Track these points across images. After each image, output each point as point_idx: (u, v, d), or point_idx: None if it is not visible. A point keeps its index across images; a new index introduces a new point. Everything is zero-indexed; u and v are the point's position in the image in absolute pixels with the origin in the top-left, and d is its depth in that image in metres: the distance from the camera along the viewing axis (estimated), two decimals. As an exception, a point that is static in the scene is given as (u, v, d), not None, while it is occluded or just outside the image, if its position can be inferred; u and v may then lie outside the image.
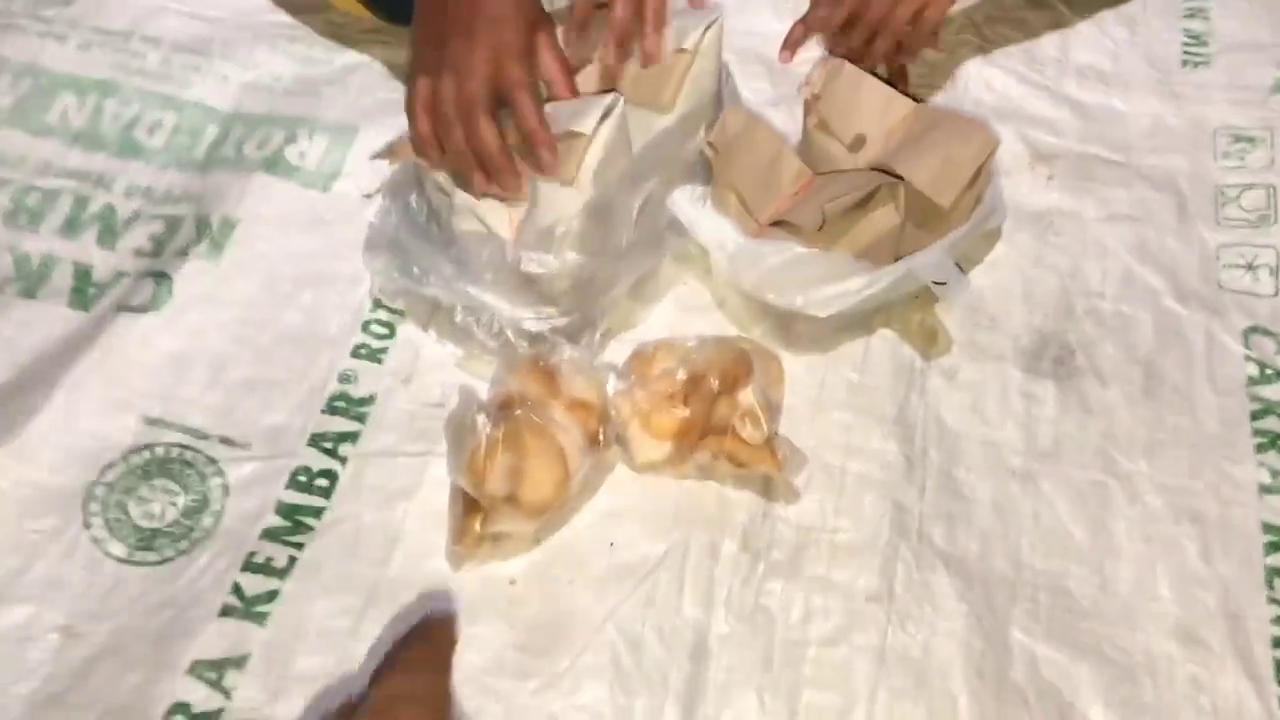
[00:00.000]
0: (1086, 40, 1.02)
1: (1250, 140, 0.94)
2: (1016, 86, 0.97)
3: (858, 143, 0.83)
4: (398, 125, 0.89)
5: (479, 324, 0.77)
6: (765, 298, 0.78)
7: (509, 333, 0.77)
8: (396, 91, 0.95)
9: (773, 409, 0.76)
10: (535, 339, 0.77)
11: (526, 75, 0.70)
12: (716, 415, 0.74)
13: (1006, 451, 0.78)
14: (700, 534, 0.74)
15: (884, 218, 0.76)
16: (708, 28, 0.77)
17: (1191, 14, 1.03)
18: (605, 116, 0.71)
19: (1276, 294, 0.85)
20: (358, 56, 0.98)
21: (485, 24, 0.69)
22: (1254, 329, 0.83)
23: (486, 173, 0.70)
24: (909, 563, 0.73)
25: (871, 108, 0.82)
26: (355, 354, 0.81)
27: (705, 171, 0.83)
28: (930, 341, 0.83)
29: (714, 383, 0.74)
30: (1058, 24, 1.03)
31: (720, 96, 0.84)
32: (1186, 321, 0.84)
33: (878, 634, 0.70)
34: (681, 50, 0.77)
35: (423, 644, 0.65)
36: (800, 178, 0.81)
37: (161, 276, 0.82)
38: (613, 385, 0.76)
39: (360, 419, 0.78)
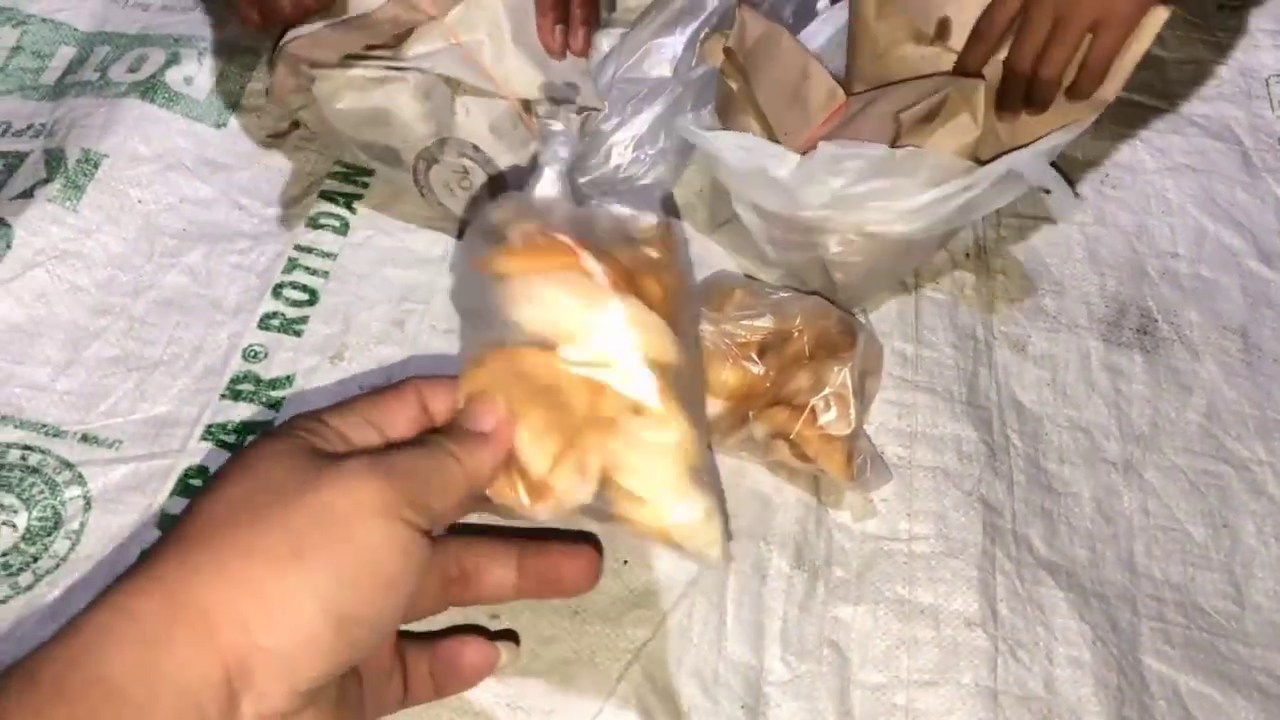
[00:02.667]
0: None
1: (1306, 88, 0.82)
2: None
3: (942, 29, 0.66)
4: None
5: None
6: (843, 220, 0.60)
7: None
8: (309, 12, 0.75)
9: (865, 402, 0.59)
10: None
11: None
12: (793, 385, 0.56)
13: (1099, 436, 0.63)
14: (741, 547, 0.56)
15: (958, 131, 0.60)
16: None
17: (1219, -43, 0.92)
18: None
19: (1367, 258, 0.73)
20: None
21: None
22: (1350, 296, 0.71)
23: None
24: (1010, 575, 0.56)
25: None
26: (265, 325, 0.61)
27: (708, 90, 0.67)
28: (988, 307, 0.68)
29: (805, 344, 0.57)
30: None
31: None
32: (1276, 286, 0.71)
33: (987, 668, 0.53)
34: None
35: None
36: (833, 99, 0.65)
37: (-4, 224, 0.61)
38: None
39: (274, 406, 0.58)
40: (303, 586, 0.35)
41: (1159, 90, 0.82)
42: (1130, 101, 0.80)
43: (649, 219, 0.47)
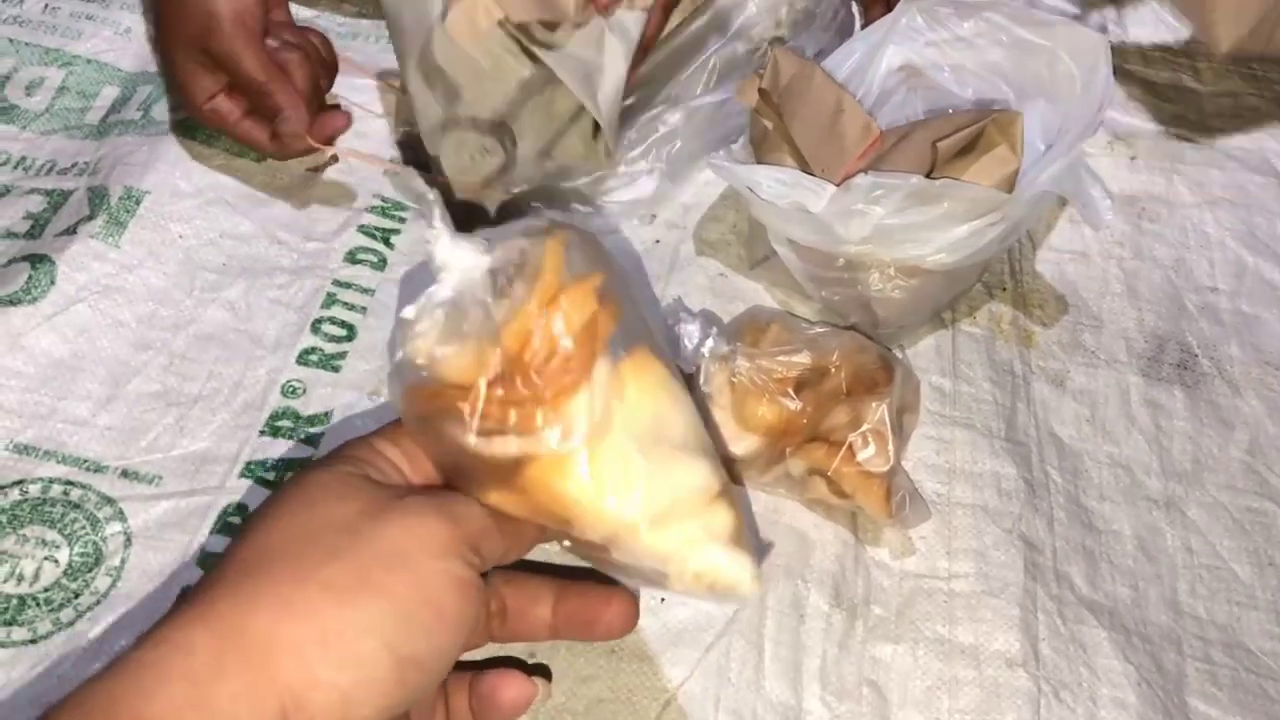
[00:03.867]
0: (1144, 17, 0.89)
1: (1346, 121, 0.82)
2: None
3: None
4: (346, 85, 0.73)
5: None
6: (882, 254, 0.61)
7: None
8: (349, 48, 0.76)
9: (903, 438, 0.58)
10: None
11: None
12: (830, 421, 0.56)
13: (1140, 473, 0.62)
14: (778, 585, 0.56)
15: (997, 162, 0.60)
16: None
17: (1253, -9, 0.91)
18: None
19: None
20: (300, 10, 0.79)
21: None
22: (1393, 329, 0.70)
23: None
24: (1052, 614, 0.56)
25: None
26: (303, 361, 0.62)
27: (739, 126, 0.68)
28: (1026, 342, 0.67)
29: (843, 380, 0.57)
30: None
31: None
32: (1318, 320, 0.70)
33: (1030, 709, 0.52)
34: None
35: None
36: (868, 133, 0.65)
37: (40, 260, 0.61)
38: (712, 343, 0.58)
39: (312, 442, 0.58)
40: (365, 621, 0.35)
41: (1195, 124, 0.81)
42: (1166, 134, 0.80)
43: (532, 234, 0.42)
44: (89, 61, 0.74)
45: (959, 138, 0.59)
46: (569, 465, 0.40)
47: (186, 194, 0.66)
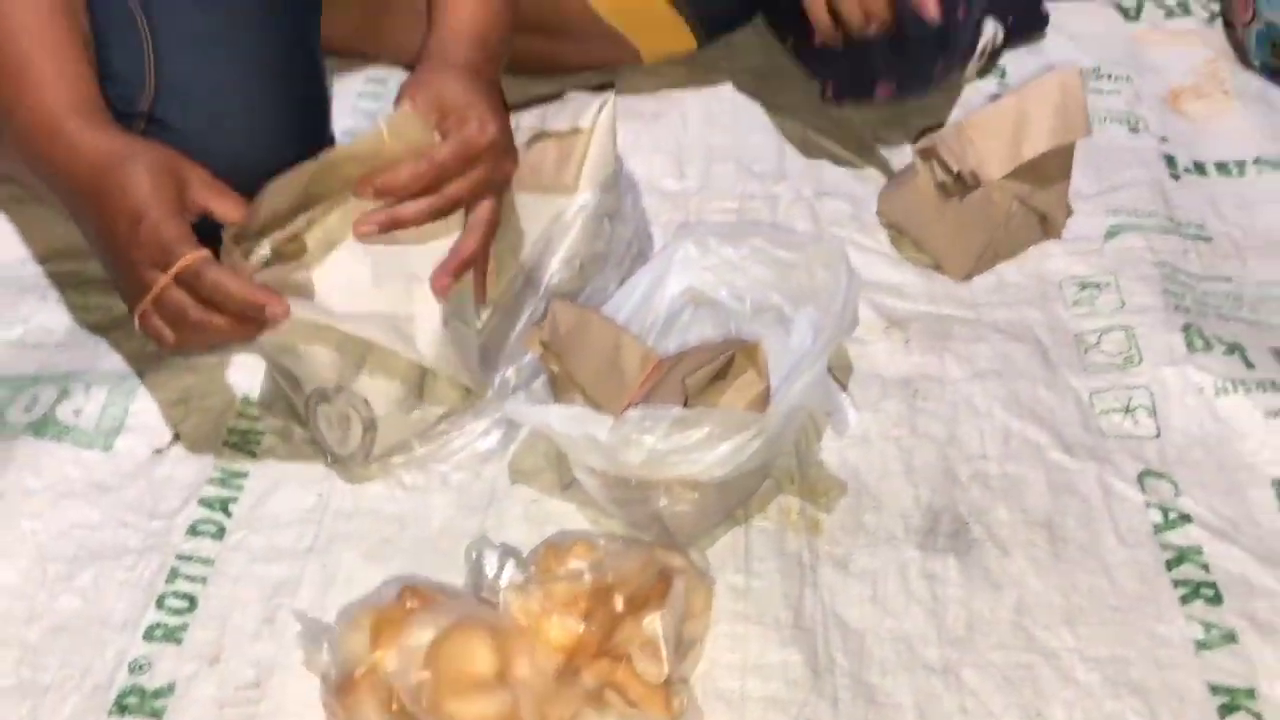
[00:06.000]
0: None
1: (1096, 286, 0.91)
2: (854, 255, 0.92)
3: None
4: (189, 366, 0.80)
5: None
6: (661, 474, 0.68)
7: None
8: (188, 331, 0.84)
9: (685, 645, 0.65)
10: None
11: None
12: (619, 637, 0.63)
13: (918, 643, 0.69)
14: (584, 799, 0.61)
15: (747, 385, 0.69)
16: (601, 106, 0.80)
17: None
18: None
19: (1159, 434, 0.80)
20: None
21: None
22: (1147, 473, 0.78)
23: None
24: (835, 794, 0.62)
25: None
26: (149, 636, 0.67)
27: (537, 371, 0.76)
28: (814, 530, 0.75)
29: (618, 600, 0.63)
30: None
31: (619, 178, 0.84)
32: (1077, 474, 0.78)
33: None
34: (577, 130, 0.80)
35: None
36: (647, 363, 0.73)
37: (-105, 573, 0.67)
38: (509, 573, 0.66)
39: (157, 715, 0.64)
40: None
41: (965, 300, 0.91)
42: (939, 315, 0.89)
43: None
44: (-57, 371, 0.81)
45: (706, 371, 0.68)
46: None
47: (36, 491, 0.73)
